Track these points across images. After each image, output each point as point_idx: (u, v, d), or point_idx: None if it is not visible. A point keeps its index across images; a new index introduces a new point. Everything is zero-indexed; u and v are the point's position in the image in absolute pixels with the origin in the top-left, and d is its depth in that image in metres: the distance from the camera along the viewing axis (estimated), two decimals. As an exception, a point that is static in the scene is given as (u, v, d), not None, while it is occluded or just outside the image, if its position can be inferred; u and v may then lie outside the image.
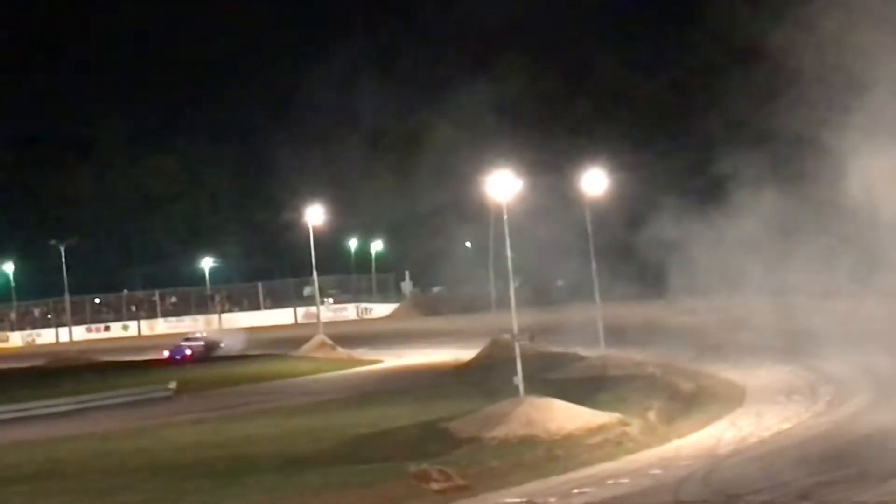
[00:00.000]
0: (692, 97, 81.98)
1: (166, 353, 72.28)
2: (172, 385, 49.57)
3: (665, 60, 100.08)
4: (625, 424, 30.98)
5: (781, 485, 23.08)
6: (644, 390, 37.17)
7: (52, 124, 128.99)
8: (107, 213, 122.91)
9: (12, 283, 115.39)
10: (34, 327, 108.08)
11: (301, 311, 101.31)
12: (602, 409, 32.34)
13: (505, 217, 34.29)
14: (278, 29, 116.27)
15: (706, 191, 48.56)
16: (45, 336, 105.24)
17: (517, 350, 33.11)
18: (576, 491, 24.22)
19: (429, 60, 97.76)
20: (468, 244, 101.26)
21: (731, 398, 36.33)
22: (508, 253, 34.48)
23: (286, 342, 70.62)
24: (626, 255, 51.59)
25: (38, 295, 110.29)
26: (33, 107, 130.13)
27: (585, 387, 37.08)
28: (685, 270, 44.54)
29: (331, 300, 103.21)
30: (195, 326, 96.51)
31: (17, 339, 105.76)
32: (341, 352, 63.99)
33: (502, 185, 34.66)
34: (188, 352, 72.95)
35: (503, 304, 45.42)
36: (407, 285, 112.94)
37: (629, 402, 34.19)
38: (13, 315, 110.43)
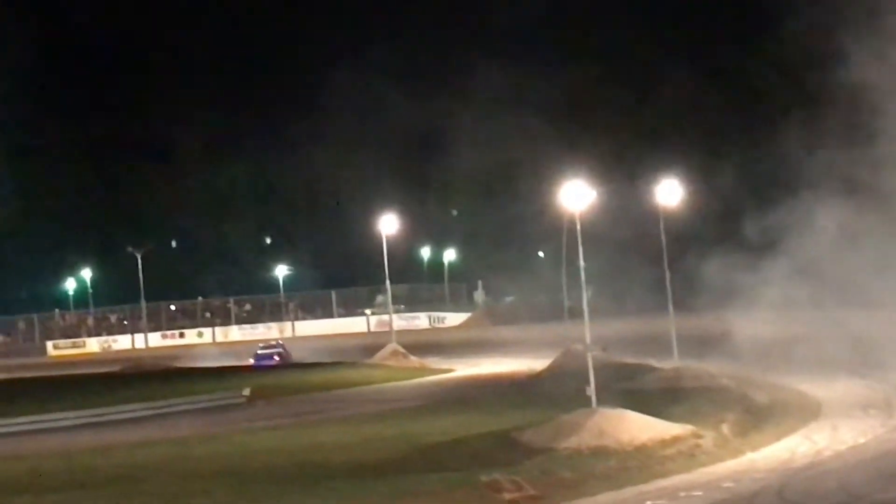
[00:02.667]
0: (767, 105, 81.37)
1: (251, 360, 73.04)
2: (246, 392, 49.86)
3: (740, 68, 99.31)
4: (698, 436, 30.80)
5: (857, 499, 22.86)
6: (718, 402, 36.90)
7: (128, 131, 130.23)
8: (183, 221, 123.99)
9: (90, 290, 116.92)
10: (110, 333, 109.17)
11: (374, 319, 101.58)
12: (675, 420, 32.17)
13: (578, 226, 34.22)
14: (354, 40, 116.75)
15: (779, 201, 48.25)
16: (122, 342, 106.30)
17: (590, 360, 33.03)
18: (648, 503, 24.12)
19: (502, 71, 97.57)
20: (541, 254, 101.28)
21: (806, 411, 35.99)
22: (581, 262, 34.40)
23: (359, 350, 70.83)
24: (698, 266, 51.31)
25: (115, 301, 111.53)
26: (110, 113, 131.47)
27: (658, 398, 36.88)
28: (758, 281, 44.31)
29: (371, 310, 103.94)
30: (268, 334, 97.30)
31: (93, 344, 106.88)
32: (413, 360, 64.05)
33: (575, 194, 34.59)
34: (276, 358, 73.79)
35: (576, 313, 45.40)
36: (479, 294, 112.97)
37: (703, 414, 33.96)
38: (90, 321, 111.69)
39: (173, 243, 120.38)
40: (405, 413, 41.77)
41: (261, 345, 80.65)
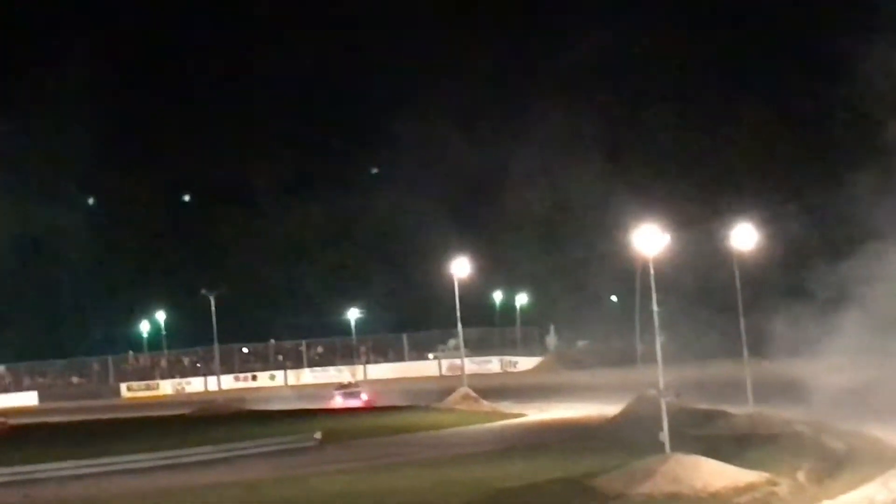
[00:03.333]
0: (841, 152, 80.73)
1: (337, 399, 73.69)
2: (318, 435, 49.90)
3: (815, 114, 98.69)
4: (773, 484, 30.41)
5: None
6: (793, 449, 36.44)
7: (203, 174, 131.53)
8: (256, 263, 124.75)
9: (163, 332, 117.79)
10: (183, 375, 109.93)
11: (445, 362, 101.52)
12: (750, 467, 31.77)
13: (651, 271, 34.02)
14: (423, 83, 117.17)
15: (852, 248, 47.82)
16: (195, 384, 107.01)
17: (663, 406, 32.75)
18: (722, 551, 23.81)
19: (576, 114, 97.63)
20: (613, 298, 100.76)
21: (883, 458, 35.40)
22: (654, 307, 34.18)
23: (430, 394, 70.75)
24: (773, 311, 50.86)
25: (188, 343, 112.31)
26: (185, 156, 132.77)
27: (733, 444, 36.48)
28: (830, 327, 43.82)
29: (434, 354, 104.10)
30: (340, 377, 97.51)
31: (167, 387, 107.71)
32: (485, 404, 63.88)
33: (649, 238, 34.41)
34: (365, 396, 74.97)
35: (649, 358, 45.08)
36: (552, 339, 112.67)
37: (778, 461, 33.53)
38: (164, 363, 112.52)
39: (246, 286, 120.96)
40: (477, 458, 41.59)
41: (338, 386, 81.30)
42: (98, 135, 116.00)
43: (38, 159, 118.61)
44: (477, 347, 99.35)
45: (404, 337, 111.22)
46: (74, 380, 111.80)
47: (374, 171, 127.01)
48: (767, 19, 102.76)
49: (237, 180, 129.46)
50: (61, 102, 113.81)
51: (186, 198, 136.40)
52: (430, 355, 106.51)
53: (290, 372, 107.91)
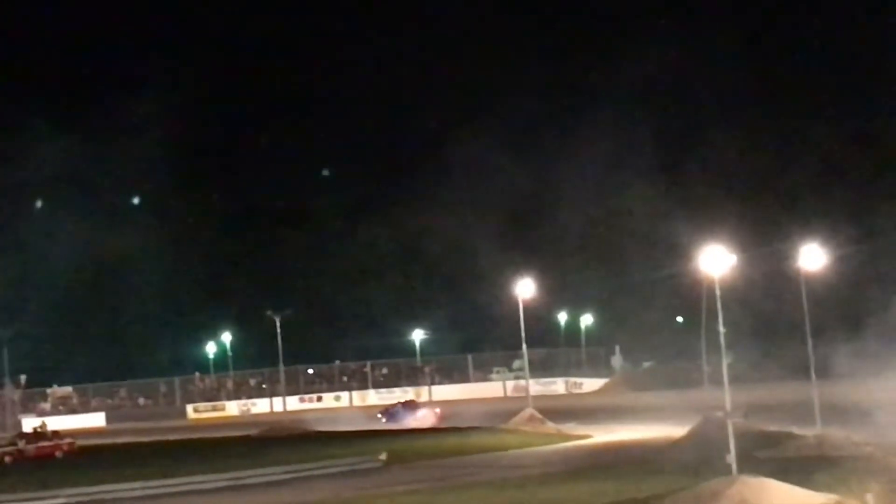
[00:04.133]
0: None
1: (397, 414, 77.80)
2: (383, 456, 49.94)
3: (884, 132, 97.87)
4: (842, 506, 30.07)
5: None
6: (862, 471, 35.97)
7: (268, 196, 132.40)
8: (321, 285, 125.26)
9: (229, 353, 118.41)
10: (249, 396, 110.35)
11: (510, 384, 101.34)
12: (818, 489, 31.43)
13: (717, 292, 33.84)
14: (484, 103, 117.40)
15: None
16: (260, 405, 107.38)
17: (730, 427, 32.52)
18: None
19: (637, 135, 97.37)
20: (679, 319, 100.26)
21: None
22: (721, 328, 33.99)
23: (495, 415, 70.61)
24: (839, 332, 50.41)
25: (254, 365, 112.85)
26: (250, 179, 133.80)
27: (801, 466, 36.10)
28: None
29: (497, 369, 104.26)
30: (405, 398, 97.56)
31: (232, 408, 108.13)
32: (550, 426, 63.66)
33: (715, 259, 34.24)
34: (437, 410, 78.79)
35: (715, 379, 44.76)
36: (617, 359, 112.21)
37: (847, 484, 33.12)
38: (230, 384, 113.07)
39: (311, 308, 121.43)
40: (541, 479, 41.48)
41: (400, 403, 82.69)
42: (167, 160, 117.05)
43: (107, 183, 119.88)
44: (542, 368, 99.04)
45: (469, 358, 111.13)
46: (141, 401, 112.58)
47: (438, 192, 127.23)
48: (835, 40, 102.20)
49: (303, 203, 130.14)
50: (132, 127, 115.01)
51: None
52: (494, 372, 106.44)
53: (355, 393, 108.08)
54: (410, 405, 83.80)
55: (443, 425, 71.85)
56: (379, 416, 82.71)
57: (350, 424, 78.81)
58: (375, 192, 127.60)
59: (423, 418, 79.31)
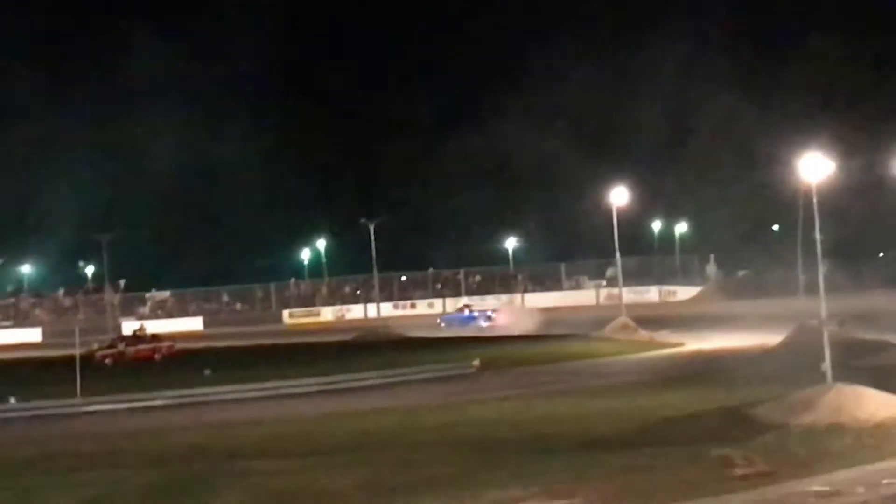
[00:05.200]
0: None
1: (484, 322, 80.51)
2: (476, 362, 50.25)
3: None
4: (940, 415, 29.75)
5: None
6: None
7: (363, 105, 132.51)
8: (415, 193, 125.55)
9: (324, 260, 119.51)
10: (344, 303, 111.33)
11: (603, 292, 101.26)
12: (915, 399, 31.13)
13: (814, 200, 33.42)
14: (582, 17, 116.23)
15: None
16: (354, 311, 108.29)
17: (825, 336, 32.25)
18: (885, 481, 23.39)
19: (739, 45, 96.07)
20: (775, 227, 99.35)
21: None
22: (818, 236, 33.61)
23: (588, 323, 70.67)
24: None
25: (348, 271, 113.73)
26: (346, 88, 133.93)
27: (897, 376, 35.77)
28: None
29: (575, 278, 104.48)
30: (498, 304, 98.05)
31: (327, 313, 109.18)
32: (643, 334, 63.63)
33: (813, 166, 33.80)
34: (493, 315, 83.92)
35: (811, 288, 44.42)
36: (711, 268, 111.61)
37: (945, 393, 32.80)
38: (325, 290, 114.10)
39: (405, 216, 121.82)
40: (634, 387, 41.50)
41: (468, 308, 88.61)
42: (266, 67, 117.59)
43: (208, 89, 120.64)
44: (635, 277, 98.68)
45: (562, 266, 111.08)
46: (238, 306, 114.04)
47: (530, 101, 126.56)
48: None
49: (398, 111, 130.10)
50: (233, 33, 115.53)
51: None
52: (587, 280, 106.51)
53: (448, 300, 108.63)
54: (468, 311, 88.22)
55: (529, 333, 72.05)
56: (439, 321, 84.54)
57: (443, 331, 79.46)
58: (468, 100, 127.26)
59: (481, 324, 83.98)
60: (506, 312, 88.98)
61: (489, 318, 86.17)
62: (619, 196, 70.25)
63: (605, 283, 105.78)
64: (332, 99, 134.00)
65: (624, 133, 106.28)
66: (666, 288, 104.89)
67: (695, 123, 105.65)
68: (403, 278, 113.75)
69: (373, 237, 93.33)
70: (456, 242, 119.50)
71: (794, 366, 36.94)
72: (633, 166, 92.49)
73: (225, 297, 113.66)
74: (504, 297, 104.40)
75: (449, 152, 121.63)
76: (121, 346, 68.38)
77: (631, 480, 23.44)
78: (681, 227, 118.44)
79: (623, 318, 66.12)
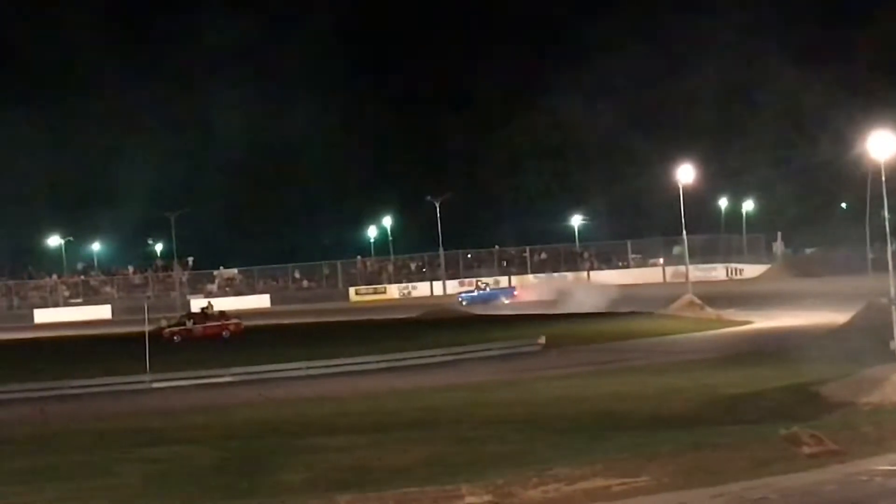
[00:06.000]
0: None
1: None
2: (542, 339, 50.31)
3: None
4: None
5: None
6: None
7: (430, 82, 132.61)
8: (480, 170, 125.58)
9: (390, 237, 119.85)
10: (409, 280, 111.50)
11: (669, 269, 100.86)
12: None
13: (883, 178, 33.17)
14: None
15: None
16: (420, 289, 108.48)
17: (894, 314, 32.05)
18: (954, 460, 23.27)
19: (805, 19, 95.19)
20: (843, 205, 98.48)
21: None
22: (886, 213, 33.39)
23: (654, 300, 70.46)
24: None
25: (414, 249, 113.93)
26: (412, 65, 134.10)
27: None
28: None
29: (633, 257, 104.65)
30: (516, 282, 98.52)
31: (393, 291, 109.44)
32: (710, 312, 63.31)
33: (882, 144, 33.52)
34: (515, 292, 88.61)
35: (880, 266, 44.04)
36: (778, 246, 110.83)
37: None
38: (391, 268, 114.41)
39: (470, 193, 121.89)
40: (701, 364, 41.40)
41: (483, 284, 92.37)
42: (330, 43, 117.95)
43: (278, 66, 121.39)
44: (702, 254, 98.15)
45: (628, 243, 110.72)
46: (305, 283, 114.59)
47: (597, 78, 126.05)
48: None
49: (463, 87, 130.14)
50: (304, 9, 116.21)
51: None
52: (660, 260, 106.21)
53: (513, 277, 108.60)
54: (484, 287, 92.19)
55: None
56: (459, 298, 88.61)
57: (509, 309, 79.53)
58: (534, 76, 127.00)
59: (503, 300, 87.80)
60: (527, 288, 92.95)
61: (511, 294, 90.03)
62: (685, 173, 69.84)
63: (662, 260, 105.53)
64: (399, 76, 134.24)
65: (691, 109, 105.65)
66: (733, 266, 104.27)
67: (762, 99, 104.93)
68: (469, 255, 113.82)
69: (438, 214, 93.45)
70: (521, 219, 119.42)
71: (862, 344, 36.71)
72: (700, 143, 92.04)
73: (297, 274, 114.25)
74: (570, 275, 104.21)
75: (514, 128, 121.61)
76: (188, 324, 68.95)
77: (698, 458, 23.42)
78: (748, 205, 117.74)
79: (689, 296, 65.83)
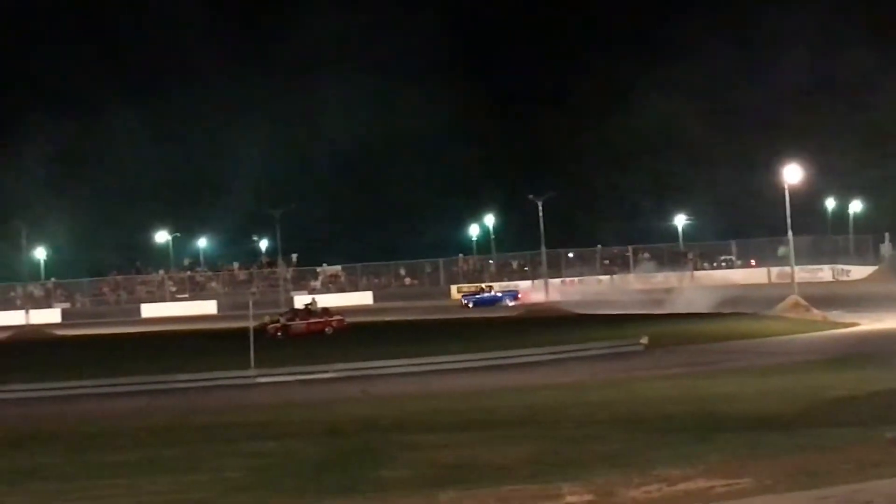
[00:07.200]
0: None
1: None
2: (644, 339, 50.05)
3: None
4: None
5: None
6: None
7: (531, 80, 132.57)
8: (583, 168, 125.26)
9: (492, 236, 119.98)
10: (511, 278, 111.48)
11: (774, 270, 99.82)
12: None
13: None
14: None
15: None
16: (521, 288, 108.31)
17: None
18: None
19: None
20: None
21: None
22: None
23: (758, 301, 69.76)
24: None
25: (516, 247, 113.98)
26: (512, 64, 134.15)
27: None
28: None
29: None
30: (667, 283, 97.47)
31: (495, 289, 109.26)
32: (816, 313, 62.58)
33: None
34: (518, 295, 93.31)
35: None
36: (886, 247, 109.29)
37: None
38: (492, 266, 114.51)
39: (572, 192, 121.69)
40: (805, 366, 40.92)
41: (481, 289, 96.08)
42: (437, 43, 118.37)
43: (382, 66, 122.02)
44: (808, 255, 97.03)
45: (732, 244, 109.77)
46: (407, 281, 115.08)
47: (696, 75, 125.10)
48: None
49: (565, 86, 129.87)
50: (411, 11, 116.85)
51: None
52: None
53: (616, 277, 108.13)
54: (488, 291, 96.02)
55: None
56: (464, 301, 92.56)
57: (611, 308, 79.17)
58: (636, 75, 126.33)
59: (508, 303, 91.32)
60: (533, 291, 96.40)
61: (515, 297, 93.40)
62: (792, 173, 69.04)
63: (752, 262, 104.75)
64: (501, 74, 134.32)
65: (798, 109, 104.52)
66: (839, 267, 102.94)
67: (872, 100, 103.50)
68: (571, 255, 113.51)
69: (540, 212, 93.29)
70: (624, 218, 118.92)
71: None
72: (807, 142, 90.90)
73: (402, 271, 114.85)
74: (673, 275, 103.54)
75: (617, 127, 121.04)
76: (290, 319, 69.50)
77: (802, 460, 23.13)
78: (855, 206, 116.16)
79: (794, 297, 65.11)
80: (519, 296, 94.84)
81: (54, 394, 43.30)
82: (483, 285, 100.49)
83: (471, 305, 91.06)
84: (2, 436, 32.78)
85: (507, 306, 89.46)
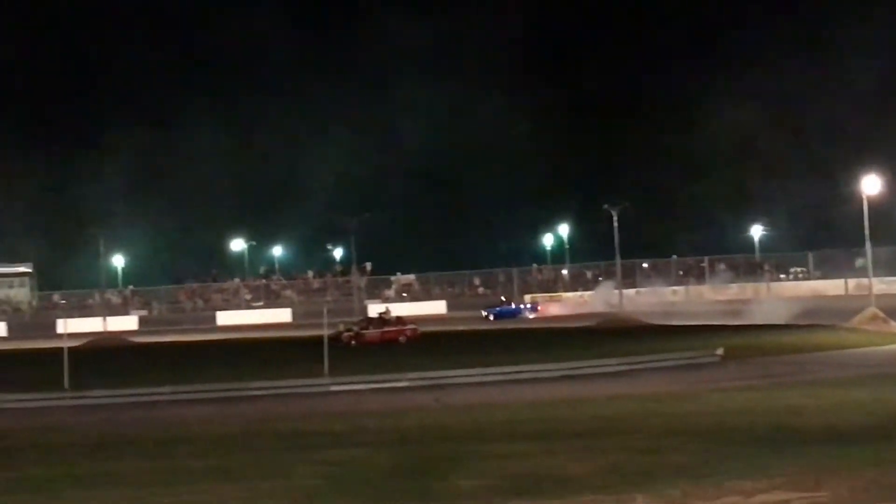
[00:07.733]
0: None
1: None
2: (720, 351, 49.74)
3: None
4: None
5: None
6: None
7: (605, 90, 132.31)
8: (658, 178, 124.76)
9: (566, 245, 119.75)
10: (585, 288, 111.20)
11: (852, 281, 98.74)
12: None
13: None
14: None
15: None
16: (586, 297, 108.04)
17: None
18: None
19: None
20: None
21: None
22: None
23: (836, 313, 69.08)
24: None
25: (590, 257, 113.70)
26: (589, 74, 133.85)
27: None
28: None
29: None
30: (743, 294, 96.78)
31: (569, 299, 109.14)
32: (893, 325, 61.88)
33: None
34: (539, 307, 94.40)
35: None
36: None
37: None
38: (566, 276, 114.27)
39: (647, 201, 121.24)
40: (882, 379, 40.44)
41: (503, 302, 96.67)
42: (515, 53, 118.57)
43: (458, 76, 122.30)
44: (887, 267, 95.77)
45: (809, 255, 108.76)
46: (481, 290, 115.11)
47: (774, 84, 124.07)
48: None
49: (641, 96, 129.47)
50: (484, 15, 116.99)
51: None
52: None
53: (691, 288, 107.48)
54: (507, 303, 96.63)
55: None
56: (485, 313, 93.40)
57: (688, 319, 78.70)
58: (712, 84, 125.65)
59: (528, 315, 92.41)
60: (553, 304, 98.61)
61: (535, 309, 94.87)
62: (871, 184, 68.31)
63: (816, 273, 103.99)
64: (577, 84, 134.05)
65: (874, 116, 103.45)
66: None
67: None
68: (645, 265, 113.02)
69: (615, 222, 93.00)
70: (700, 229, 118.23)
71: None
72: (886, 152, 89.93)
73: (476, 281, 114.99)
74: (749, 286, 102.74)
75: (693, 136, 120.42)
76: (364, 328, 69.72)
77: (879, 474, 22.89)
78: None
79: (872, 309, 64.41)
80: (539, 308, 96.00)
81: (134, 400, 43.78)
82: (502, 297, 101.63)
83: (492, 318, 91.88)
84: (83, 441, 33.22)
85: (527, 318, 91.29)
